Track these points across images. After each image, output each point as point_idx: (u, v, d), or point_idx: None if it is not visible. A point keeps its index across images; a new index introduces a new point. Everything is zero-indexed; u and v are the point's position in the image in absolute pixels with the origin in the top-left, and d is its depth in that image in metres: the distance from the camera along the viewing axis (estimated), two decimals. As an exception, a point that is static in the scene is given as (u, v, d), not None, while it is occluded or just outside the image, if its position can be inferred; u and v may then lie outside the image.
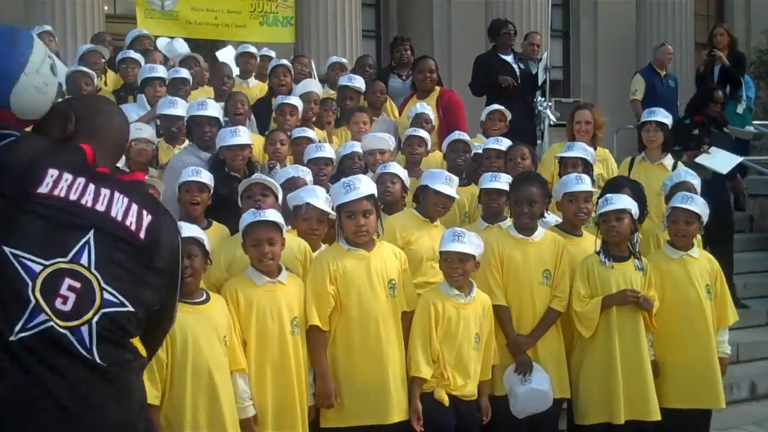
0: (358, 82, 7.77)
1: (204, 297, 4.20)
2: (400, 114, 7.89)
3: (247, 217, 4.39)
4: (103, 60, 7.73)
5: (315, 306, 4.43)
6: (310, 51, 10.55)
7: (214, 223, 5.13)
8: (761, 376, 7.21)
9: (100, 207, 2.19)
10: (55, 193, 2.14)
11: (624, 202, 5.12)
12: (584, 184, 5.27)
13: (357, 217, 4.49)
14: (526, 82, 9.27)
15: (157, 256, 2.25)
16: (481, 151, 6.26)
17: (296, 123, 6.74)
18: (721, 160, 7.90)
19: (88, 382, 2.10)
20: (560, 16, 15.20)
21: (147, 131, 6.13)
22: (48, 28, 8.19)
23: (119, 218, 2.21)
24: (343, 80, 7.91)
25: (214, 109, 6.12)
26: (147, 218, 2.26)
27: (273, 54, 8.75)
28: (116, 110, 2.55)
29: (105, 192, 2.21)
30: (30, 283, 2.06)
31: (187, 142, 6.33)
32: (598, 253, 5.11)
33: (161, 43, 8.87)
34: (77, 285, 2.10)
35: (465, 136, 6.48)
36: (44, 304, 2.06)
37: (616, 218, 5.06)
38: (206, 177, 5.10)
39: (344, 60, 9.07)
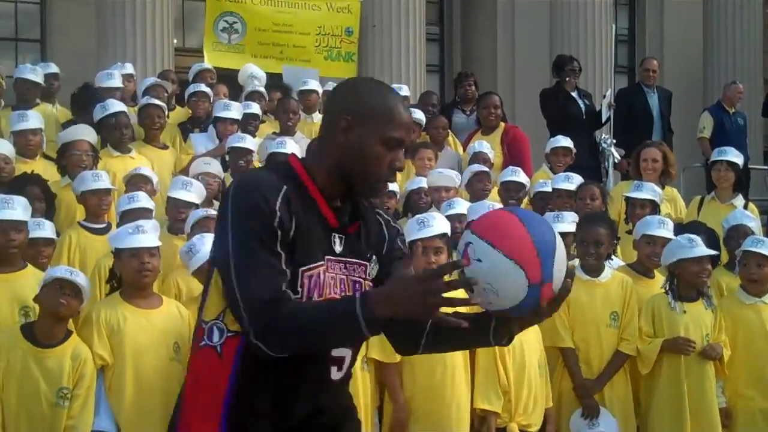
0: (419, 115, 7.82)
1: None
2: (464, 150, 7.89)
3: None
4: (166, 94, 7.87)
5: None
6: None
7: None
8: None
9: None
10: None
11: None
12: (666, 230, 5.20)
13: (429, 254, 4.48)
14: (590, 118, 9.22)
15: None
16: (550, 189, 6.22)
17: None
18: None
19: None
20: (625, 51, 15.10)
21: (215, 166, 6.22)
22: (129, 69, 8.31)
23: None
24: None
25: (293, 147, 6.18)
26: None
27: (336, 88, 8.78)
28: None
29: None
30: None
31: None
32: (666, 292, 5.01)
33: (244, 73, 8.98)
34: None
35: (517, 176, 6.41)
36: None
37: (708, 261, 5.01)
38: None
39: (404, 87, 9.06)
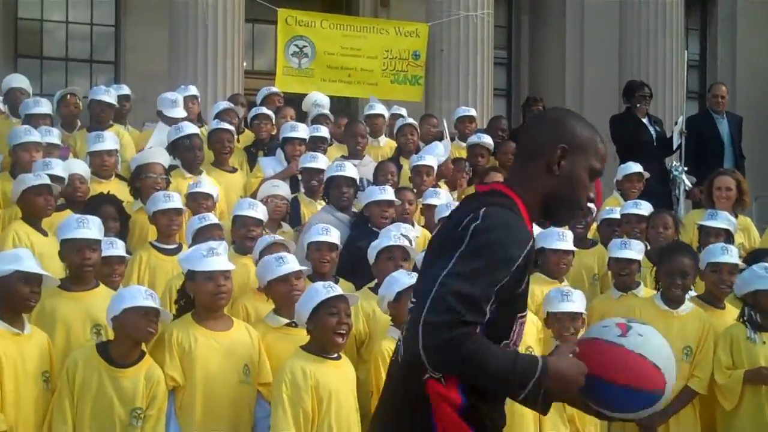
0: (488, 139, 7.80)
1: None
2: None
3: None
4: (238, 119, 7.94)
5: None
6: (441, 110, 10.61)
7: (340, 279, 5.17)
8: None
9: None
10: None
11: None
12: (730, 255, 5.10)
13: (564, 323, 4.56)
14: (661, 145, 9.09)
15: None
16: (618, 215, 6.14)
17: (431, 183, 6.76)
18: None
19: None
20: (696, 77, 14.89)
21: (283, 188, 6.27)
22: (193, 90, 8.36)
23: None
24: (473, 138, 7.95)
25: (352, 170, 6.20)
26: None
27: (404, 112, 8.84)
28: None
29: None
30: None
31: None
32: (743, 322, 4.89)
33: (309, 100, 9.04)
34: None
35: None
36: None
37: None
38: (335, 236, 5.14)
39: (473, 112, 9.05)
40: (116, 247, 4.89)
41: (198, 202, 5.85)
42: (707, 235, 5.86)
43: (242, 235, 5.50)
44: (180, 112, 7.54)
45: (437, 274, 2.25)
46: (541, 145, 2.48)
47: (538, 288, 5.01)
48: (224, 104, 8.03)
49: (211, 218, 5.42)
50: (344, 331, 4.11)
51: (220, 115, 7.64)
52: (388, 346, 4.24)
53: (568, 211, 2.51)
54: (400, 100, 10.56)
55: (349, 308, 4.18)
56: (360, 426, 4.11)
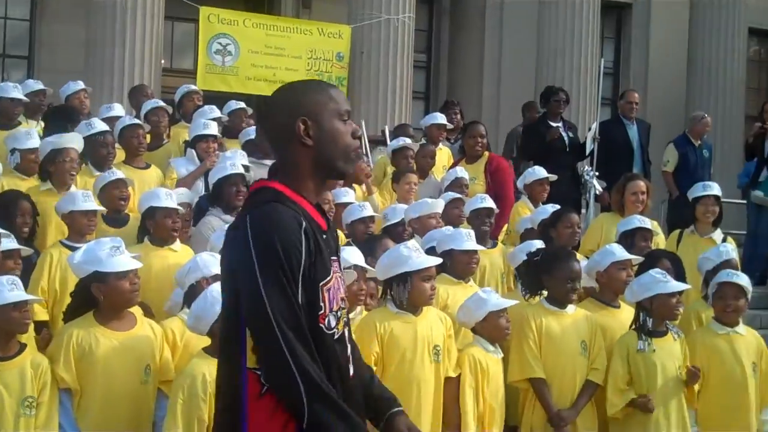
0: (409, 142, 7.96)
1: None
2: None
3: None
4: (168, 115, 7.89)
5: None
6: (360, 112, 10.69)
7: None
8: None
9: None
10: None
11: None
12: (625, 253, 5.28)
13: (431, 281, 4.51)
14: (575, 150, 9.30)
15: None
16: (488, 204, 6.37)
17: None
18: None
19: None
20: (610, 84, 15.26)
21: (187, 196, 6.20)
22: (80, 85, 8.27)
23: None
24: (396, 142, 8.08)
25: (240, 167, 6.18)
26: None
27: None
28: None
29: None
30: None
31: None
32: (636, 330, 5.00)
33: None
34: None
35: (486, 203, 6.41)
36: None
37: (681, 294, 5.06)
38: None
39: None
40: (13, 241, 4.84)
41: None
42: (631, 237, 6.02)
43: (167, 226, 5.38)
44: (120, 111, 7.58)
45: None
46: (283, 128, 2.57)
47: (443, 289, 5.10)
48: (152, 103, 7.92)
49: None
50: None
51: (152, 113, 7.60)
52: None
53: (344, 162, 2.60)
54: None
55: None
56: None
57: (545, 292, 5.10)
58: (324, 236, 2.56)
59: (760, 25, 15.90)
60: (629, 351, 4.98)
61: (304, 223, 2.46)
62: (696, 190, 6.96)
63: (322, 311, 2.51)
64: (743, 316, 5.39)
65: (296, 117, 2.54)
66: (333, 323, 2.54)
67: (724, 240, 6.69)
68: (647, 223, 6.11)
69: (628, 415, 4.96)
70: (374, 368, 4.36)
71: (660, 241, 6.84)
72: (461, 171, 7.33)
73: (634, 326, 5.03)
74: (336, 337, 2.55)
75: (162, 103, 7.85)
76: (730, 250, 5.92)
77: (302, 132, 2.54)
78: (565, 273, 4.97)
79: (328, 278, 2.54)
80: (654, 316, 4.99)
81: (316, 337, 2.46)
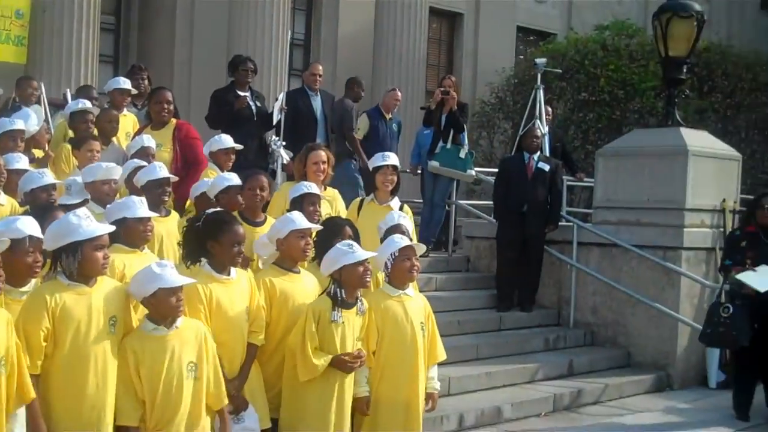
0: (89, 105, 7.71)
1: None
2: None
3: None
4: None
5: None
6: (41, 74, 10.19)
7: None
8: (468, 408, 7.53)
9: None
10: None
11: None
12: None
13: (103, 250, 4.40)
14: (262, 120, 9.44)
15: None
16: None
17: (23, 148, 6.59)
18: (762, 278, 7.73)
19: None
20: (301, 55, 15.60)
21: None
22: None
23: None
24: (75, 104, 7.79)
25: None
26: None
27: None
28: None
29: None
30: None
31: None
32: (333, 297, 5.17)
33: None
34: None
35: (162, 172, 6.19)
36: None
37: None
38: None
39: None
40: None
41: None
42: (302, 204, 6.16)
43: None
44: None
45: None
46: None
47: (119, 258, 4.98)
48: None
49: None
50: None
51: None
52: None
53: None
54: (4, 61, 10.03)
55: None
56: None
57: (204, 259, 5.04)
58: None
59: (438, 5, 16.92)
60: (321, 318, 5.11)
61: None
62: (376, 160, 7.28)
63: None
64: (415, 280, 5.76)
65: None
66: None
67: (401, 208, 7.07)
68: (314, 188, 6.31)
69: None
70: (44, 345, 4.27)
71: (341, 209, 7.14)
72: (148, 139, 7.22)
73: (328, 295, 5.19)
74: None
75: None
76: (396, 217, 6.25)
77: None
78: (231, 237, 4.96)
79: None
80: (345, 287, 5.16)
81: None
